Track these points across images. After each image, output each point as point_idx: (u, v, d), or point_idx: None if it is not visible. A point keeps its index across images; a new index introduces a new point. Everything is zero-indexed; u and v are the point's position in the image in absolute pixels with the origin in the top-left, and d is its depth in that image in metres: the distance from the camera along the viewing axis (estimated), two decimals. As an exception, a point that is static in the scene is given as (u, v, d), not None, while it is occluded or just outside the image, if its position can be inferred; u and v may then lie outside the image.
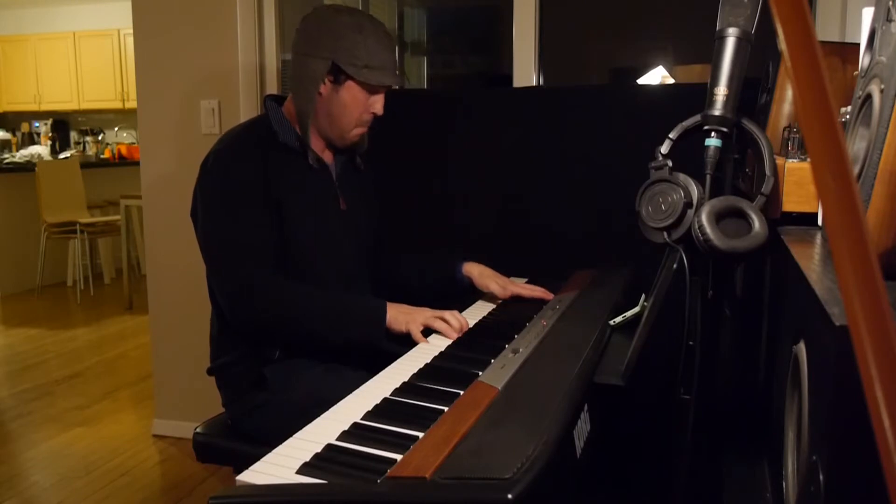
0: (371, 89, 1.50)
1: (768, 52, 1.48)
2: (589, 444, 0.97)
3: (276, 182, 1.48)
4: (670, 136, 1.20)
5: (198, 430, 1.54)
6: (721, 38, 1.12)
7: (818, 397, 0.61)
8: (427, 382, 1.12)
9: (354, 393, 1.08)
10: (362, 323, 1.43)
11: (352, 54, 1.45)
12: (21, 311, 4.96)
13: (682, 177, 1.15)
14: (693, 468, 1.25)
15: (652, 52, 2.62)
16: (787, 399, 0.78)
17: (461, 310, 1.51)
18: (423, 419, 0.94)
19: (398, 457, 0.83)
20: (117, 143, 6.90)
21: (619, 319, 1.26)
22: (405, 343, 1.37)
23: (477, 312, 1.55)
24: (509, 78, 2.34)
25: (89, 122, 7.53)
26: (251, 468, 0.83)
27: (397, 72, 1.53)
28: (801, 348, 0.70)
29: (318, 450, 0.87)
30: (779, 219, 1.08)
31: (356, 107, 1.51)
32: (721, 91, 1.12)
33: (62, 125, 7.54)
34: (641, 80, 2.46)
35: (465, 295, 1.67)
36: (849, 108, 0.94)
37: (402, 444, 0.87)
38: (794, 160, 1.06)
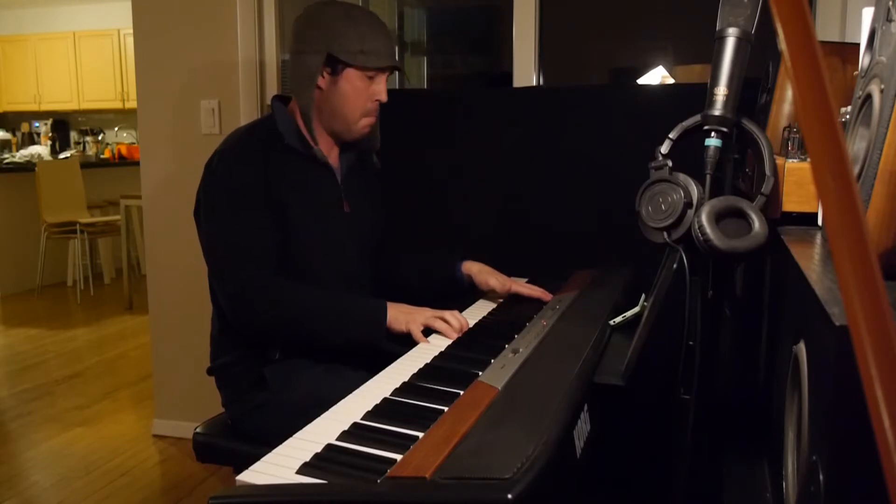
0: (370, 75, 1.50)
1: (768, 52, 1.48)
2: (589, 444, 0.97)
3: (280, 183, 1.47)
4: (670, 136, 1.20)
5: (198, 430, 1.54)
6: (721, 38, 1.12)
7: (818, 397, 0.61)
8: (427, 382, 1.12)
9: (354, 393, 1.08)
10: (362, 323, 1.43)
11: (345, 42, 1.45)
12: (21, 311, 4.96)
13: (682, 177, 1.15)
14: (693, 468, 1.25)
15: (652, 52, 2.62)
16: (787, 399, 0.78)
17: (461, 310, 1.51)
18: (423, 419, 0.94)
19: (398, 457, 0.83)
20: (117, 143, 6.90)
21: (619, 319, 1.26)
22: (405, 343, 1.37)
23: (477, 312, 1.55)
24: (509, 77, 2.34)
25: (89, 122, 7.53)
26: (251, 468, 0.83)
27: (394, 55, 1.53)
28: (801, 348, 0.70)
29: (318, 450, 0.87)
30: (779, 219, 1.08)
31: (358, 95, 1.50)
32: (721, 91, 1.12)
33: (62, 125, 7.54)
34: (641, 80, 2.46)
35: (465, 295, 1.67)
36: (849, 108, 0.94)
37: (402, 444, 0.87)
38: (794, 160, 1.06)
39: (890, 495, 0.28)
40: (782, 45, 0.29)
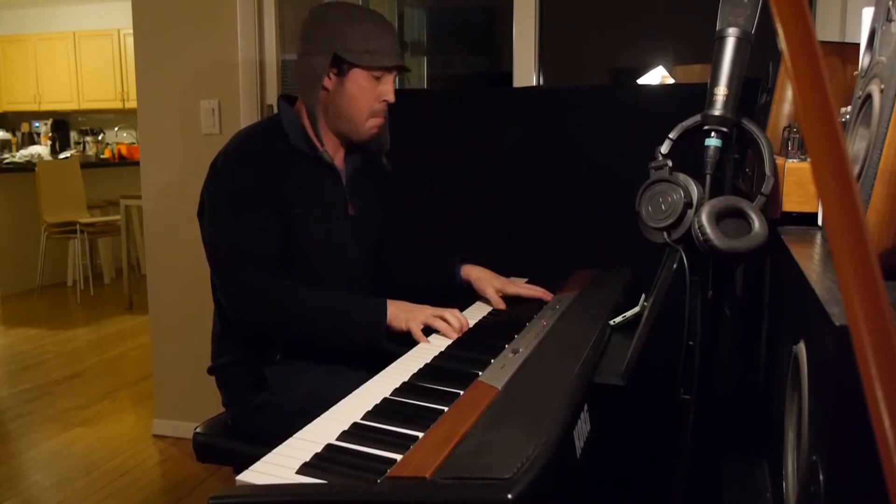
0: (376, 74, 1.49)
1: (768, 52, 1.48)
2: (589, 444, 0.97)
3: (284, 184, 1.47)
4: (670, 136, 1.20)
5: (198, 430, 1.54)
6: (721, 38, 1.12)
7: (818, 397, 0.61)
8: (427, 382, 1.12)
9: (354, 393, 1.08)
10: (363, 321, 1.43)
11: (350, 42, 1.45)
12: (21, 311, 4.96)
13: (682, 177, 1.15)
14: (693, 468, 1.25)
15: (652, 52, 2.62)
16: (787, 399, 0.78)
17: (461, 309, 1.51)
18: (423, 419, 0.94)
19: (398, 457, 0.83)
20: (117, 143, 6.90)
21: (619, 319, 1.26)
22: (405, 343, 1.37)
23: (477, 312, 1.55)
24: (509, 77, 2.34)
25: (89, 122, 7.53)
26: (251, 468, 0.83)
27: (400, 55, 1.52)
28: (801, 348, 0.70)
29: (318, 450, 0.87)
30: (779, 219, 1.08)
31: (364, 96, 1.49)
32: (721, 91, 1.12)
33: (62, 125, 7.54)
34: (641, 80, 2.46)
35: (465, 296, 1.67)
36: (849, 108, 0.94)
37: (402, 444, 0.87)
38: (794, 160, 1.06)
39: (890, 495, 0.28)
40: (782, 45, 0.29)
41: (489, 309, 1.58)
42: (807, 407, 0.65)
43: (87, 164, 5.93)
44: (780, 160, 1.08)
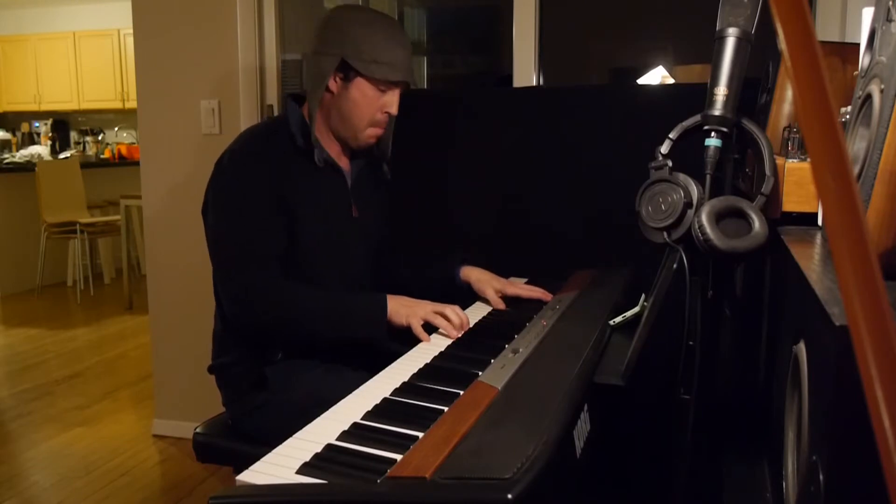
0: (381, 86, 1.48)
1: (768, 52, 1.48)
2: (589, 444, 0.97)
3: (289, 185, 1.47)
4: (670, 136, 1.20)
5: (198, 430, 1.54)
6: (721, 38, 1.12)
7: (818, 397, 0.61)
8: (427, 382, 1.12)
9: (354, 393, 1.08)
10: (363, 317, 1.43)
11: (359, 49, 1.43)
12: (21, 311, 4.96)
13: (682, 177, 1.15)
14: (693, 468, 1.25)
15: (652, 52, 2.62)
16: (787, 399, 0.78)
17: (462, 307, 1.51)
18: (423, 419, 0.94)
19: (398, 457, 0.83)
20: (117, 143, 6.90)
21: (619, 319, 1.26)
22: (406, 342, 1.37)
23: (477, 312, 1.55)
24: (510, 80, 2.34)
25: (89, 122, 7.53)
26: (251, 468, 0.83)
27: (409, 70, 1.50)
28: (801, 348, 0.70)
29: (318, 450, 0.87)
30: (779, 219, 1.08)
31: (366, 105, 1.48)
32: (721, 91, 1.12)
33: (62, 125, 7.54)
34: (641, 80, 2.46)
35: (465, 297, 1.67)
36: (849, 108, 0.94)
37: (402, 444, 0.87)
38: (794, 160, 1.06)
39: (890, 495, 0.28)
40: (782, 45, 0.29)
41: (489, 309, 1.58)
42: (807, 407, 0.65)
43: (87, 164, 5.93)
44: (780, 160, 1.08)
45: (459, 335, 1.38)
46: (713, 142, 1.14)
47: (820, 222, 1.00)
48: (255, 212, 1.44)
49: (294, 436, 0.92)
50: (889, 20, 0.77)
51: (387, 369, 1.20)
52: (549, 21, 2.32)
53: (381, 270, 1.71)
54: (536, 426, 0.85)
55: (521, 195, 2.19)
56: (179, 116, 2.57)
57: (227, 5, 2.48)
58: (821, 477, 0.55)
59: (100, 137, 7.24)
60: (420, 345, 1.35)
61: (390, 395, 1.07)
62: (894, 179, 0.69)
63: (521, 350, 1.19)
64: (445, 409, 0.97)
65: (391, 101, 1.50)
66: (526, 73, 2.31)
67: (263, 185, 1.45)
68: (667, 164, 1.16)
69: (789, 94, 1.30)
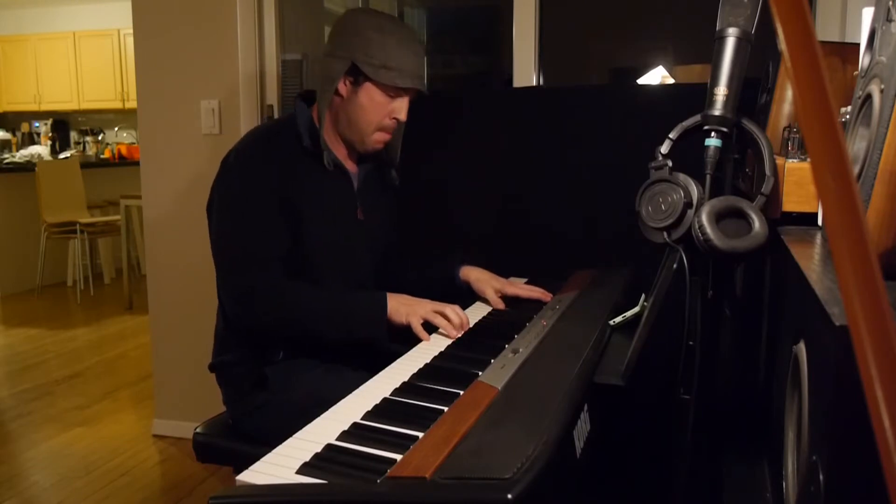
0: (391, 92, 1.47)
1: (768, 52, 1.48)
2: (589, 444, 0.97)
3: (294, 186, 1.47)
4: (670, 136, 1.20)
5: (198, 430, 1.54)
6: (721, 38, 1.12)
7: (818, 397, 0.61)
8: (427, 382, 1.12)
9: (354, 393, 1.08)
10: (364, 316, 1.43)
11: (370, 54, 1.43)
12: (21, 311, 4.96)
13: (682, 177, 1.15)
14: (693, 468, 1.25)
15: (652, 52, 2.62)
16: (787, 399, 0.78)
17: (462, 307, 1.51)
18: (423, 419, 0.94)
19: (398, 457, 0.83)
20: (117, 143, 6.90)
21: (619, 319, 1.26)
22: (406, 342, 1.37)
23: (477, 312, 1.55)
24: (511, 83, 2.34)
25: (89, 122, 7.53)
26: (251, 468, 0.83)
27: (420, 77, 1.49)
28: (801, 348, 0.70)
29: (318, 450, 0.87)
30: (779, 219, 1.08)
31: (375, 110, 1.48)
32: (721, 91, 1.12)
33: (62, 125, 7.54)
34: (641, 80, 2.46)
35: (465, 297, 1.67)
36: (849, 108, 0.94)
37: (401, 444, 0.87)
38: (794, 160, 1.06)
39: (890, 495, 0.28)
40: (782, 45, 0.29)
41: (489, 309, 1.58)
42: (807, 407, 0.65)
43: (87, 164, 5.93)
44: (780, 160, 1.08)
45: (459, 335, 1.38)
46: (713, 142, 1.14)
47: (820, 222, 1.00)
48: (258, 213, 1.44)
49: (294, 436, 0.92)
50: (889, 20, 0.77)
51: (387, 369, 1.20)
52: (549, 21, 2.32)
53: (387, 275, 1.69)
54: (536, 426, 0.85)
55: (521, 195, 2.19)
56: (179, 116, 2.57)
57: (227, 5, 2.48)
58: (821, 477, 0.55)
59: (100, 137, 7.24)
60: (420, 345, 1.35)
61: (390, 395, 1.07)
62: (894, 179, 0.69)
63: (521, 350, 1.19)
64: (445, 409, 0.97)
65: (400, 107, 1.49)
66: (526, 73, 2.31)
67: (268, 185, 1.44)
68: (667, 164, 1.16)
69: (789, 94, 1.30)
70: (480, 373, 1.11)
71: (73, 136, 7.60)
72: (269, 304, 1.42)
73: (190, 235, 2.55)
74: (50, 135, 7.26)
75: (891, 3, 0.77)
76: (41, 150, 6.37)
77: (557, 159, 2.14)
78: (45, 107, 7.45)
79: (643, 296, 1.26)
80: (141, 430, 2.85)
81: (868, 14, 0.93)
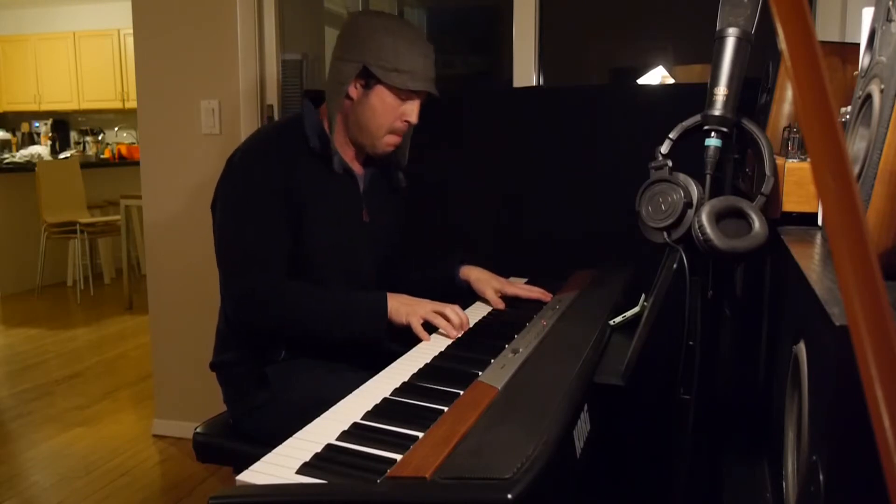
0: (402, 95, 1.47)
1: (768, 52, 1.48)
2: (589, 444, 0.97)
3: (299, 187, 1.46)
4: (670, 136, 1.20)
5: (198, 430, 1.54)
6: (721, 38, 1.12)
7: (818, 397, 0.61)
8: (427, 382, 1.12)
9: (354, 393, 1.08)
10: (364, 316, 1.43)
11: (381, 57, 1.42)
12: (21, 311, 4.96)
13: (682, 177, 1.15)
14: (693, 468, 1.25)
15: (652, 52, 2.62)
16: (787, 399, 0.78)
17: (462, 307, 1.51)
18: (423, 419, 0.94)
19: (398, 457, 0.83)
20: (117, 143, 6.90)
21: (619, 319, 1.26)
22: (406, 343, 1.37)
23: (477, 312, 1.55)
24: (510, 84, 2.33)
25: (89, 122, 7.53)
26: (251, 468, 0.83)
27: (431, 79, 1.49)
28: (801, 348, 0.70)
29: (318, 450, 0.87)
30: (779, 219, 1.08)
31: (386, 113, 1.47)
32: (721, 91, 1.12)
33: (62, 125, 7.54)
34: (641, 80, 2.46)
35: (465, 296, 1.67)
36: (849, 108, 0.94)
37: (401, 444, 0.87)
38: (794, 160, 1.06)
39: (890, 495, 0.28)
40: (782, 45, 0.29)
41: (489, 309, 1.58)
42: (807, 407, 0.65)
43: (87, 164, 5.93)
44: (780, 160, 1.08)
45: (459, 335, 1.38)
46: (713, 142, 1.14)
47: (820, 222, 1.00)
48: (260, 214, 1.44)
49: (294, 436, 0.92)
50: (889, 20, 0.77)
51: (387, 369, 1.20)
52: (549, 21, 2.32)
53: (390, 277, 1.69)
54: (536, 426, 0.85)
55: (521, 195, 2.19)
56: (179, 116, 2.57)
57: (227, 5, 2.48)
58: (821, 477, 0.55)
59: (100, 137, 7.24)
60: (420, 345, 1.35)
61: (390, 395, 1.07)
62: (894, 179, 0.69)
63: (521, 350, 1.19)
64: (445, 409, 0.97)
65: (411, 109, 1.49)
66: (526, 73, 2.31)
67: (271, 186, 1.44)
68: (667, 164, 1.16)
69: (789, 94, 1.30)
70: (480, 373, 1.12)
71: (73, 136, 7.60)
72: (269, 304, 1.42)
73: (190, 235, 2.55)
74: (50, 135, 7.26)
75: (891, 3, 0.77)
76: (41, 150, 6.37)
77: (557, 159, 2.14)
78: (45, 107, 7.44)
79: (643, 296, 1.26)
80: (141, 430, 2.85)
81: (868, 14, 0.93)
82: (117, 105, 7.22)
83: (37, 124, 7.55)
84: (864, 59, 0.88)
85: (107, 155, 6.79)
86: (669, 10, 2.68)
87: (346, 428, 0.94)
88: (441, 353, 1.28)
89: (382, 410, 1.01)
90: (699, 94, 1.18)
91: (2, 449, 2.70)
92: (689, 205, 1.12)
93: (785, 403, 0.79)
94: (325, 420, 0.98)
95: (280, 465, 0.83)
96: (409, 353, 1.29)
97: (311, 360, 1.49)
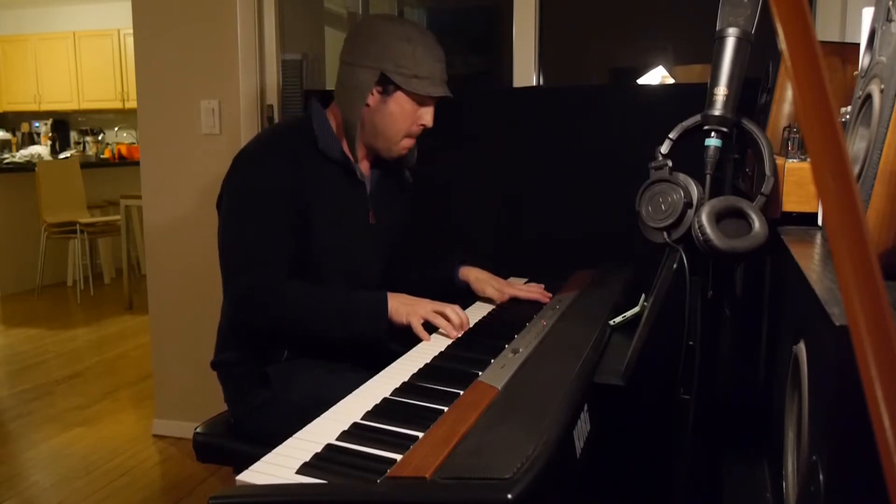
0: (420, 100, 1.48)
1: (768, 52, 1.48)
2: (589, 444, 0.97)
3: (305, 187, 1.46)
4: (670, 136, 1.20)
5: (198, 429, 1.54)
6: (721, 38, 1.12)
7: (818, 397, 0.61)
8: (427, 382, 1.12)
9: (354, 393, 1.08)
10: (365, 316, 1.43)
11: (400, 64, 1.43)
12: (21, 311, 4.96)
13: (682, 177, 1.15)
14: (693, 468, 1.25)
15: (652, 52, 2.62)
16: (787, 399, 0.78)
17: (462, 307, 1.51)
18: (423, 419, 0.94)
19: (398, 457, 0.83)
20: (117, 143, 6.90)
21: (619, 319, 1.26)
22: (406, 343, 1.37)
23: (477, 312, 1.55)
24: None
25: (89, 122, 7.53)
26: (251, 468, 0.83)
27: (445, 83, 1.50)
28: (801, 348, 0.70)
29: (318, 450, 0.87)
30: (779, 219, 1.08)
31: (404, 118, 1.48)
32: (721, 91, 1.12)
33: (62, 125, 7.54)
34: (641, 80, 2.46)
35: (465, 296, 1.67)
36: (849, 108, 0.94)
37: (402, 444, 0.87)
38: (794, 160, 1.06)
39: (890, 495, 0.28)
40: (782, 45, 0.29)
41: (489, 309, 1.59)
42: (807, 407, 0.65)
43: (87, 164, 5.93)
44: (780, 160, 1.08)
45: (459, 335, 1.38)
46: (713, 142, 1.14)
47: (820, 222, 1.00)
48: (262, 213, 1.44)
49: (294, 436, 0.92)
50: (889, 20, 0.77)
51: (387, 369, 1.20)
52: (549, 21, 2.32)
53: (392, 277, 1.69)
54: (536, 426, 0.85)
55: (521, 195, 2.19)
56: (179, 116, 2.57)
57: (227, 5, 2.48)
58: (821, 477, 0.55)
59: (100, 137, 7.24)
60: (420, 345, 1.35)
61: (390, 395, 1.07)
62: (894, 179, 0.69)
63: (521, 350, 1.19)
64: (445, 409, 0.97)
65: (427, 113, 1.50)
66: (526, 73, 2.31)
67: (275, 186, 1.44)
68: (667, 164, 1.16)
69: (789, 94, 1.30)
70: (480, 373, 1.12)
71: (73, 136, 7.60)
72: (268, 304, 1.42)
73: (190, 235, 2.55)
74: (50, 135, 7.26)
75: (891, 3, 0.77)
76: (41, 150, 6.37)
77: (557, 159, 2.14)
78: (45, 107, 7.45)
79: (643, 296, 1.26)
80: (141, 430, 2.85)
81: (868, 14, 0.93)
82: (117, 105, 7.22)
83: (37, 124, 7.55)
84: (864, 59, 0.88)
85: (107, 155, 6.79)
86: (669, 10, 2.68)
87: (346, 428, 0.94)
88: (441, 353, 1.28)
89: (382, 410, 1.01)
90: (699, 94, 1.18)
91: (2, 449, 2.70)
92: (689, 205, 1.12)
93: (785, 403, 0.79)
94: (325, 420, 0.98)
95: (280, 465, 0.83)
96: (409, 353, 1.29)
97: (311, 360, 1.49)
